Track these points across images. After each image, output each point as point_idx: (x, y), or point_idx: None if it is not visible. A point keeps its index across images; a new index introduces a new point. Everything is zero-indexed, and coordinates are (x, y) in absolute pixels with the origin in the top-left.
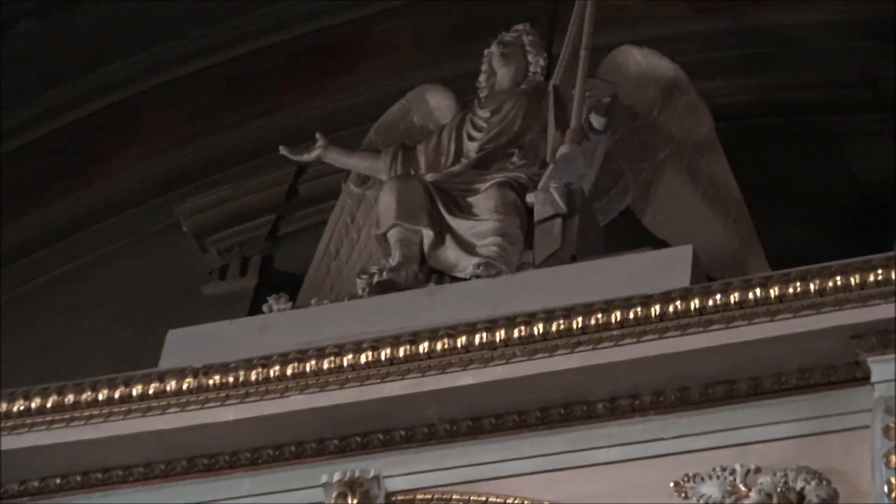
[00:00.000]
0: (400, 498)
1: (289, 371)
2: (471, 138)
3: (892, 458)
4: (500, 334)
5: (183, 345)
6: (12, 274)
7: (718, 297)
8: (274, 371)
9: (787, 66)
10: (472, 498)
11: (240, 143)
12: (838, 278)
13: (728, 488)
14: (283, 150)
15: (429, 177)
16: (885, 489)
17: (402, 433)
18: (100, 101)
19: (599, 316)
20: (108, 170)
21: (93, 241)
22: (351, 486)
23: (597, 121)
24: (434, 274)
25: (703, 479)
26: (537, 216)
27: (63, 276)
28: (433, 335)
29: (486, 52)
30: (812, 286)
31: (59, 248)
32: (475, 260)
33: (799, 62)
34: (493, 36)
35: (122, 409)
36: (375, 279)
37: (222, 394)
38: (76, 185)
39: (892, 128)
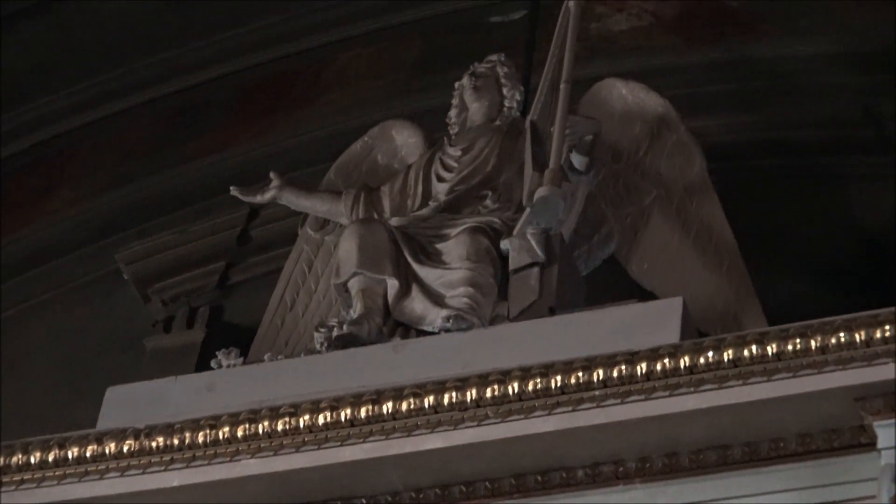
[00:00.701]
0: None
1: (239, 433)
2: (440, 179)
3: None
4: (472, 393)
5: (123, 403)
6: None
7: (710, 354)
8: (223, 432)
9: (783, 103)
10: None
11: (186, 183)
12: (842, 335)
13: None
14: (234, 191)
15: (394, 221)
16: None
17: (364, 501)
18: (29, 139)
19: (580, 374)
20: (41, 212)
21: (24, 290)
22: None
23: (578, 161)
24: (399, 327)
25: None
26: (512, 264)
27: None
28: (398, 394)
29: (457, 84)
30: (813, 343)
31: None
32: (444, 312)
33: (797, 98)
34: (465, 67)
35: (57, 473)
36: (335, 333)
37: (166, 457)
38: (5, 229)
39: None
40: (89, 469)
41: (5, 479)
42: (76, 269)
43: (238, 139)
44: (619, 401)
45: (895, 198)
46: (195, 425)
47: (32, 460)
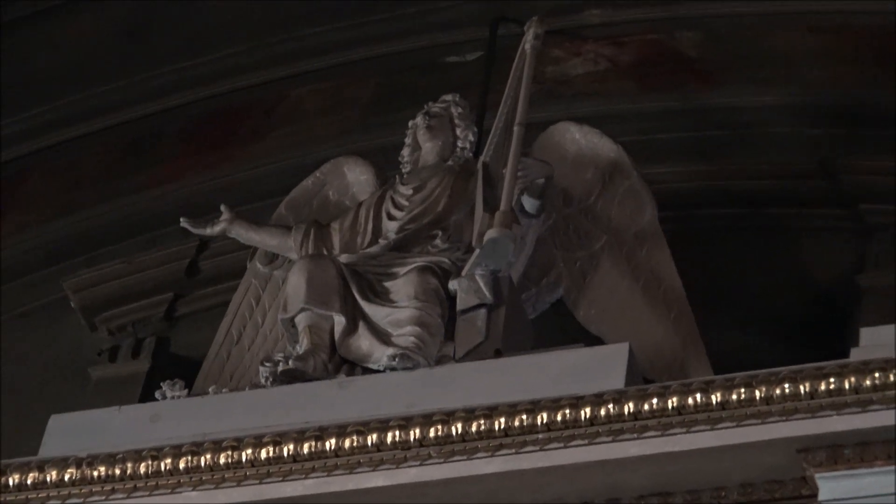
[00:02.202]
0: None
1: (181, 464)
2: (391, 217)
3: None
4: (416, 433)
5: (66, 431)
6: None
7: (655, 401)
8: (165, 464)
9: (738, 153)
10: None
11: (136, 212)
12: (787, 386)
13: None
14: (183, 223)
15: (343, 258)
16: None
17: None
18: None
19: (524, 417)
20: None
21: None
22: None
23: (529, 204)
24: (345, 364)
25: None
26: (460, 305)
27: None
28: (342, 431)
29: (410, 123)
30: (758, 393)
31: None
32: (390, 350)
33: (751, 148)
34: (419, 106)
35: None
36: (280, 367)
37: (108, 487)
38: None
39: (852, 224)
40: (30, 497)
41: None
42: (23, 296)
43: (189, 171)
44: (562, 445)
45: (846, 251)
46: (137, 456)
47: None
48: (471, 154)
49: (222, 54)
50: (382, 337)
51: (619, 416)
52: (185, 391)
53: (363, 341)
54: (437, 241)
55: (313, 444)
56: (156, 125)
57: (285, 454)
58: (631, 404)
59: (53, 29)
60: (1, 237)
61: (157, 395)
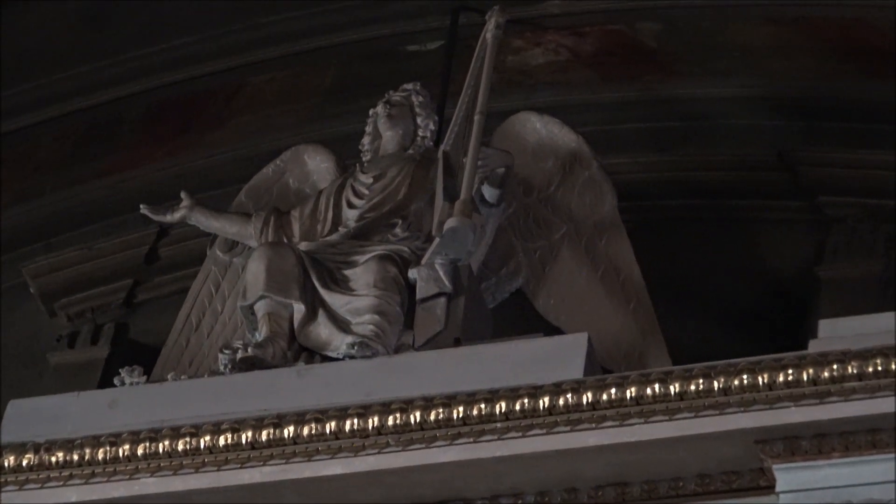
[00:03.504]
0: None
1: (140, 451)
2: (350, 205)
3: None
4: (374, 421)
5: (24, 417)
6: None
7: (613, 391)
8: (123, 450)
9: (698, 144)
10: None
11: (95, 199)
12: (745, 377)
13: None
14: (143, 210)
15: (303, 245)
16: None
17: None
18: None
19: (483, 406)
20: None
21: None
22: None
23: (489, 193)
24: (304, 352)
25: None
26: (419, 294)
27: None
28: (300, 419)
29: (371, 111)
30: (716, 384)
31: None
32: (349, 339)
33: (711, 140)
34: (379, 94)
35: None
36: (239, 355)
37: (65, 472)
38: None
39: (810, 216)
40: None
41: None
42: None
43: (149, 158)
44: (520, 434)
45: (804, 243)
46: (95, 442)
47: None
48: (431, 143)
49: (182, 42)
50: (341, 325)
51: (578, 406)
52: (144, 378)
53: (322, 329)
54: (397, 230)
55: (272, 431)
56: (115, 112)
57: (243, 441)
58: (589, 394)
59: (13, 15)
60: None
61: (115, 381)
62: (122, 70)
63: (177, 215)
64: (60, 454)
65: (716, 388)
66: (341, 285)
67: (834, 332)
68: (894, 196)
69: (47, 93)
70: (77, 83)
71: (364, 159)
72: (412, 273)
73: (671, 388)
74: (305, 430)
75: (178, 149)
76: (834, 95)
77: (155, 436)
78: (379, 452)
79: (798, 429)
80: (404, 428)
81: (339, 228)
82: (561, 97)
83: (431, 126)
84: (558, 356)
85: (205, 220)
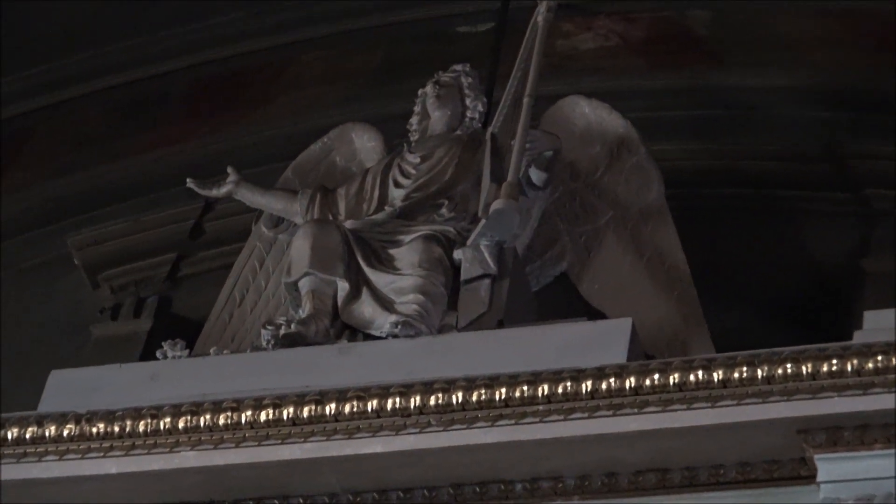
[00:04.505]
0: None
1: (180, 424)
2: (397, 185)
3: None
4: (416, 400)
5: (66, 388)
6: None
7: (656, 377)
8: (164, 423)
9: (745, 133)
10: None
11: (140, 173)
12: (789, 366)
13: None
14: (190, 184)
15: (348, 224)
16: None
17: (301, 501)
18: None
19: (525, 388)
20: None
21: None
22: None
23: (536, 176)
24: (346, 330)
25: None
26: (464, 275)
27: None
28: (341, 396)
29: (420, 91)
30: (759, 372)
31: None
32: (393, 318)
33: (758, 130)
34: (428, 75)
35: None
36: (282, 331)
37: (106, 444)
38: None
39: (856, 209)
40: (28, 451)
41: None
42: (25, 252)
43: (194, 133)
44: (562, 417)
45: (850, 235)
46: (137, 414)
47: None
48: (479, 125)
49: (230, 18)
50: (385, 304)
51: (620, 391)
52: (186, 351)
53: (366, 308)
54: (443, 211)
55: (313, 408)
56: (161, 87)
57: (285, 417)
58: (632, 379)
59: None
60: (2, 194)
61: (157, 354)
62: (170, 44)
63: (223, 190)
64: (101, 425)
65: (759, 377)
66: (386, 264)
67: (879, 324)
68: None
69: (93, 66)
70: (123, 56)
71: (412, 139)
72: (457, 254)
73: (714, 375)
74: (347, 408)
75: (225, 125)
76: (882, 88)
77: (196, 409)
78: (420, 432)
79: (841, 419)
80: (446, 408)
81: (385, 208)
82: (609, 83)
83: (480, 108)
84: (602, 341)
85: (250, 196)
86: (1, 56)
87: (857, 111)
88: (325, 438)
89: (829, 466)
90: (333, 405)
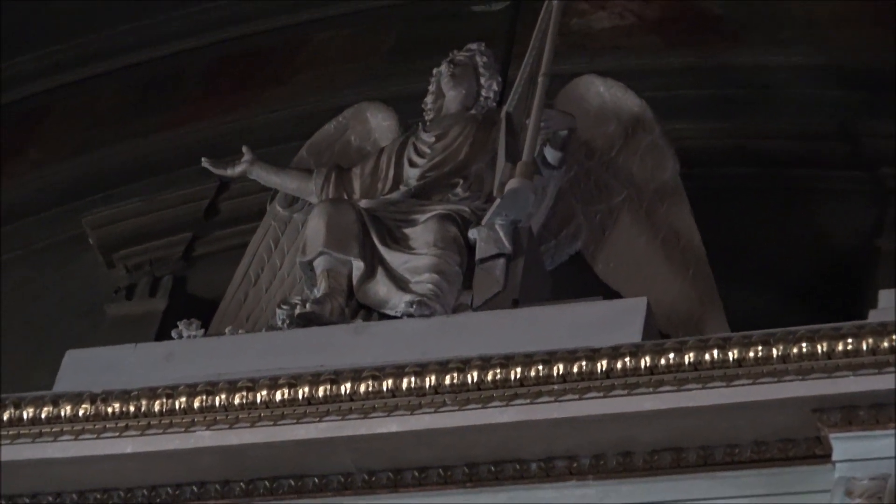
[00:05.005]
0: None
1: (196, 404)
2: (412, 164)
3: None
4: (431, 380)
5: (81, 367)
6: None
7: (671, 356)
8: (179, 403)
9: (760, 112)
10: None
11: (155, 152)
12: (804, 345)
13: None
14: (205, 163)
15: (363, 203)
16: None
17: (316, 480)
18: (2, 97)
19: (540, 368)
20: (6, 173)
21: None
22: None
23: (551, 155)
24: (362, 309)
25: None
26: (479, 254)
27: None
28: (357, 376)
29: (434, 70)
30: (774, 351)
31: None
32: (408, 297)
33: (774, 109)
34: (443, 54)
35: (11, 433)
36: (297, 310)
37: (121, 423)
38: None
39: (871, 187)
40: (43, 430)
41: None
42: (40, 231)
43: (209, 112)
44: (577, 396)
45: (865, 214)
46: (152, 394)
47: None
48: (494, 104)
49: None
50: (400, 283)
51: (635, 370)
52: (202, 331)
53: (381, 287)
54: (458, 190)
55: (328, 387)
56: (176, 66)
57: (300, 397)
58: (647, 358)
59: None
60: (17, 173)
61: (173, 334)
62: (185, 23)
63: (237, 170)
64: (117, 405)
65: (774, 356)
66: (401, 243)
67: (894, 303)
68: None
69: (108, 45)
70: (138, 36)
71: (426, 118)
72: (472, 233)
73: (729, 354)
74: (362, 388)
75: (240, 104)
76: None
77: (211, 389)
78: (435, 411)
79: (856, 398)
80: (461, 388)
81: (400, 187)
82: (624, 61)
83: (495, 87)
84: (617, 320)
85: (265, 175)
86: (17, 35)
87: (872, 90)
88: (340, 418)
89: (844, 445)
90: (349, 385)
